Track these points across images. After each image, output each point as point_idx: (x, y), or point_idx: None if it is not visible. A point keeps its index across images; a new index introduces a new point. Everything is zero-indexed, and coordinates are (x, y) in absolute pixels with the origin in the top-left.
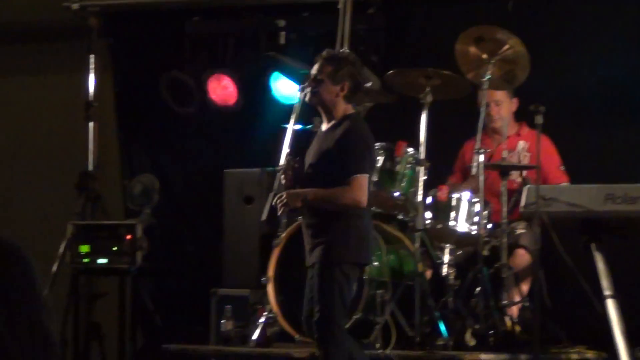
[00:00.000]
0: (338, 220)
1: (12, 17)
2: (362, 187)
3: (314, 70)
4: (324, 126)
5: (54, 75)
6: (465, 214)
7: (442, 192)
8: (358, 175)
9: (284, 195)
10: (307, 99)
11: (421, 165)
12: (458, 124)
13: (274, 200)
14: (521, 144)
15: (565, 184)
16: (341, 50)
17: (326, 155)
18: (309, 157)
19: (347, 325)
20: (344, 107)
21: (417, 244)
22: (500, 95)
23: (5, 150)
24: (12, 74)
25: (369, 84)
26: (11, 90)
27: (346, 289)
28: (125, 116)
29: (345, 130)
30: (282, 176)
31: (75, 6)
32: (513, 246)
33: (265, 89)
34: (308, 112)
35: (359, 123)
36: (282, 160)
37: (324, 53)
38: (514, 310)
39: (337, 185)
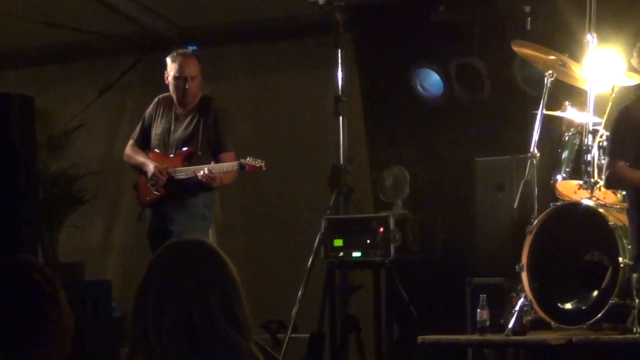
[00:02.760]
0: None
1: (262, 15)
2: None
3: None
4: None
5: (305, 71)
6: None
7: None
8: None
9: None
10: None
11: None
12: None
13: None
14: None
15: None
16: None
17: None
18: None
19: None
20: None
21: None
22: None
23: (260, 147)
24: (265, 72)
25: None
26: (264, 87)
27: None
28: (372, 109)
29: None
30: None
31: (321, 1)
32: None
33: (513, 75)
34: (555, 97)
35: None
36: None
37: None
38: None
39: None
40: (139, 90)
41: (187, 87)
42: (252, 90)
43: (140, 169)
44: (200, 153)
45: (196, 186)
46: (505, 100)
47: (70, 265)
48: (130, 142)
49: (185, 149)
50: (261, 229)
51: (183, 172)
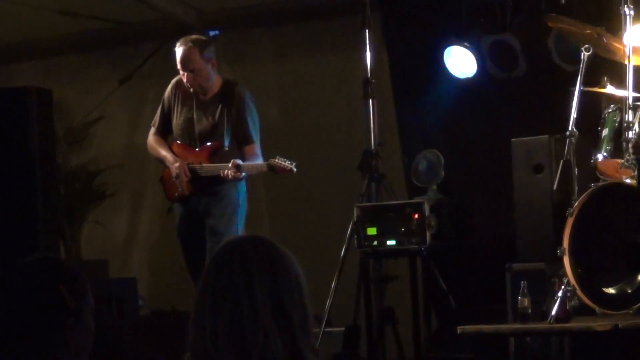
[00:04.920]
0: None
1: None
2: None
3: None
4: None
5: (332, 53)
6: None
7: None
8: None
9: None
10: None
11: None
12: None
13: None
14: None
15: None
16: None
17: None
18: None
19: None
20: None
21: None
22: None
23: (287, 132)
24: (290, 55)
25: None
26: (290, 70)
27: None
28: (402, 91)
29: None
30: None
31: None
32: None
33: (548, 51)
34: (593, 73)
35: None
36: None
37: None
38: None
39: None
40: (160, 79)
41: (185, 80)
42: (278, 74)
43: (163, 163)
44: (227, 148)
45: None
46: (541, 78)
47: (94, 262)
48: (152, 130)
49: (210, 143)
50: (290, 219)
51: (208, 170)
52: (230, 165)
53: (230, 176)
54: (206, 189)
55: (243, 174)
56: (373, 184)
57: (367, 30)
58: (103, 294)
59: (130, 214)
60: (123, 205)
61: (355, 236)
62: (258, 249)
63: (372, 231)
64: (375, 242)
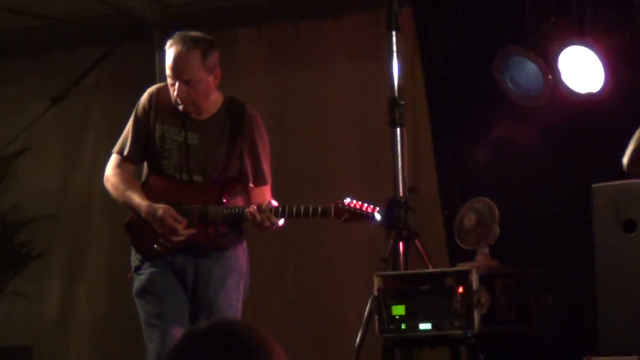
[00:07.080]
0: None
1: None
2: None
3: None
4: None
5: (344, 63)
6: None
7: None
8: None
9: None
10: None
11: None
12: None
13: None
14: None
15: None
16: None
17: None
18: None
19: None
20: None
21: None
22: None
23: (282, 169)
24: (287, 64)
25: None
26: (286, 84)
27: None
28: (441, 116)
29: None
30: None
31: None
32: None
33: None
34: None
35: None
36: None
37: None
38: None
39: None
40: (108, 95)
41: (175, 93)
42: (270, 90)
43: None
44: (252, 185)
45: (233, 227)
46: (633, 100)
47: (14, 350)
48: (116, 159)
49: (224, 178)
50: (284, 294)
51: (222, 215)
52: (264, 207)
53: (270, 225)
54: (202, 244)
55: (282, 221)
56: (401, 244)
57: (394, 33)
58: None
59: (64, 283)
60: (55, 271)
61: (377, 317)
62: (227, 347)
63: (399, 310)
64: (403, 326)
